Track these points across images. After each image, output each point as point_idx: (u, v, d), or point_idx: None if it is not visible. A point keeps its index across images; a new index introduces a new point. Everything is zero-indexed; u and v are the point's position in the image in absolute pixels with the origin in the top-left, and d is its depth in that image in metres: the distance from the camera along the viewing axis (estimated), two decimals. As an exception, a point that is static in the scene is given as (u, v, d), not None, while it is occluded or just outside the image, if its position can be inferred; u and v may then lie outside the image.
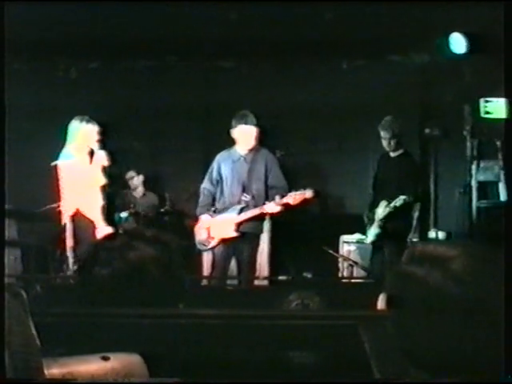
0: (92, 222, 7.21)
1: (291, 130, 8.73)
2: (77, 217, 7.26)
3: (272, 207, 7.00)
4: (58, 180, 7.32)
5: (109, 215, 7.53)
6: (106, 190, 7.60)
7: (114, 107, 8.59)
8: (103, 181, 7.39)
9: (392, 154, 7.48)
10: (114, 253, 2.33)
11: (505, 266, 1.62)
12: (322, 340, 2.21)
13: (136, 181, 9.76)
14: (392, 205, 7.15)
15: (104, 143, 7.59)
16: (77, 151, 7.33)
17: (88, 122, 7.38)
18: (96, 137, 7.34)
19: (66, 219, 7.30)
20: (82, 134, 7.35)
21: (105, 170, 7.48)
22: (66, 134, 7.37)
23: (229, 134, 7.34)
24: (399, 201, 7.12)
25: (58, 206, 7.80)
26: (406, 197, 7.12)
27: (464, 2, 7.48)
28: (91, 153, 7.42)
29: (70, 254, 7.68)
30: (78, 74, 9.18)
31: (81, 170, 7.31)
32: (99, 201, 7.33)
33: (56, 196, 7.62)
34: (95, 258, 2.38)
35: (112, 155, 7.78)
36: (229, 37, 8.42)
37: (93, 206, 7.28)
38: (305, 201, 6.93)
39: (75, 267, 7.28)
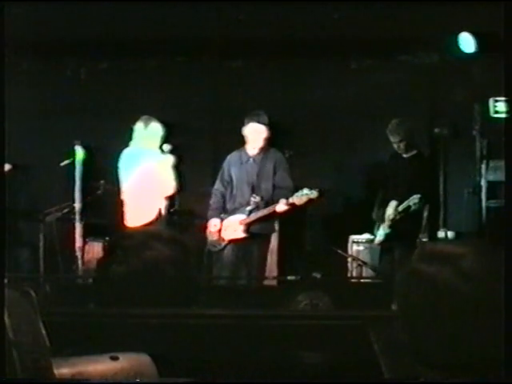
0: None
1: (300, 129, 8.72)
2: None
3: (280, 207, 7.04)
4: None
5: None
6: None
7: (123, 107, 8.59)
8: None
9: (404, 155, 7.47)
10: (130, 252, 2.33)
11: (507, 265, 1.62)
12: (330, 340, 2.21)
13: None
14: (405, 204, 7.13)
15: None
16: None
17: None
18: None
19: None
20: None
21: None
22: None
23: (238, 133, 7.35)
24: (413, 200, 7.11)
25: (68, 206, 7.82)
26: (420, 196, 7.11)
27: (472, 1, 7.47)
28: None
29: (79, 253, 7.70)
30: (87, 74, 9.18)
31: None
32: None
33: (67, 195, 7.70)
34: (110, 257, 2.38)
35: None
36: (238, 36, 8.43)
37: None
38: (310, 201, 7.00)
39: (88, 266, 7.32)
